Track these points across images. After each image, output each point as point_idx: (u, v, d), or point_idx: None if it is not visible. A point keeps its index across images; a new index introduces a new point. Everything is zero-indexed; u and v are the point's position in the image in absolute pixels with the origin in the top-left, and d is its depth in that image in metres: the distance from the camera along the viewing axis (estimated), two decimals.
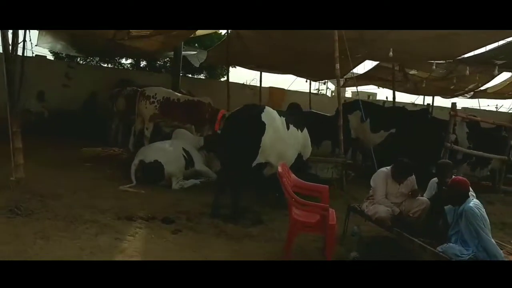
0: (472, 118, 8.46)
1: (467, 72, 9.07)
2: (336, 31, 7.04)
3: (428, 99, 16.29)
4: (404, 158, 4.66)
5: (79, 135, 9.74)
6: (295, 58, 10.79)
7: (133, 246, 3.99)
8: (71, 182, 5.87)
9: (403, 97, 24.15)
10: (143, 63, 16.49)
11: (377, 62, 11.98)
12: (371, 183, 4.75)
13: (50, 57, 14.19)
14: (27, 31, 10.95)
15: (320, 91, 20.16)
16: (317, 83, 17.83)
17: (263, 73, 13.72)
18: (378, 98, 18.86)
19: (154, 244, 4.14)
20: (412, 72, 12.62)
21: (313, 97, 14.22)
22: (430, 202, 4.47)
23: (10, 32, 5.44)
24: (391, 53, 7.69)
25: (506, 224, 6.22)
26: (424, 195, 4.70)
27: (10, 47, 5.42)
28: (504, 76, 12.47)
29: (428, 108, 10.12)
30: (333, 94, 17.66)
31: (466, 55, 8.81)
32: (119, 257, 3.69)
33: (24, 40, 11.35)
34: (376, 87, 15.29)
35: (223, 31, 12.13)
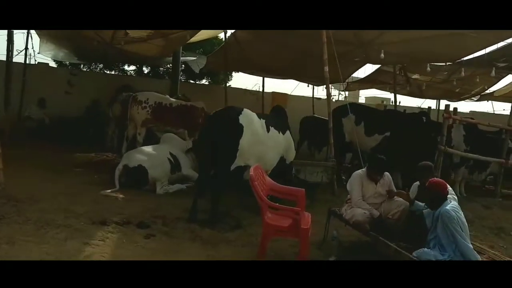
0: (467, 120, 8.21)
1: (462, 73, 8.86)
2: (324, 32, 6.92)
3: (435, 103, 16.08)
4: (378, 154, 4.63)
5: (79, 141, 9.83)
6: (294, 63, 10.70)
7: (102, 251, 3.89)
8: (55, 187, 5.84)
9: (411, 102, 23.77)
10: (146, 70, 16.58)
11: (378, 66, 11.81)
12: (347, 186, 4.66)
13: (53, 64, 14.33)
14: (29, 38, 11.24)
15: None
16: (321, 89, 17.67)
17: (265, 78, 13.67)
18: (391, 103, 18.55)
19: (123, 249, 4.04)
20: (415, 76, 12.45)
21: (316, 102, 14.07)
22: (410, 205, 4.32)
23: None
24: (382, 55, 7.54)
25: (502, 229, 6.09)
26: None
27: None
28: (510, 78, 12.17)
29: (426, 112, 9.85)
30: (338, 98, 17.46)
31: (465, 58, 8.61)
32: None
33: (26, 48, 11.68)
34: (388, 92, 15.06)
35: (221, 36, 12.10)
